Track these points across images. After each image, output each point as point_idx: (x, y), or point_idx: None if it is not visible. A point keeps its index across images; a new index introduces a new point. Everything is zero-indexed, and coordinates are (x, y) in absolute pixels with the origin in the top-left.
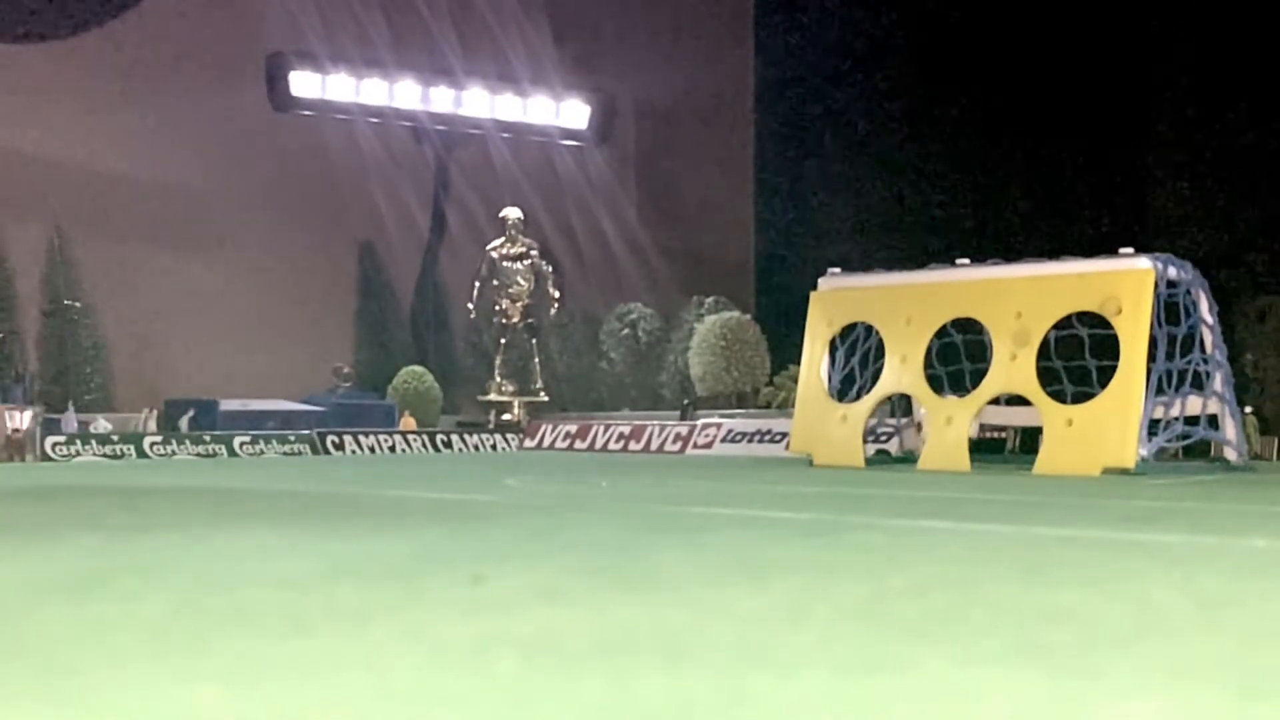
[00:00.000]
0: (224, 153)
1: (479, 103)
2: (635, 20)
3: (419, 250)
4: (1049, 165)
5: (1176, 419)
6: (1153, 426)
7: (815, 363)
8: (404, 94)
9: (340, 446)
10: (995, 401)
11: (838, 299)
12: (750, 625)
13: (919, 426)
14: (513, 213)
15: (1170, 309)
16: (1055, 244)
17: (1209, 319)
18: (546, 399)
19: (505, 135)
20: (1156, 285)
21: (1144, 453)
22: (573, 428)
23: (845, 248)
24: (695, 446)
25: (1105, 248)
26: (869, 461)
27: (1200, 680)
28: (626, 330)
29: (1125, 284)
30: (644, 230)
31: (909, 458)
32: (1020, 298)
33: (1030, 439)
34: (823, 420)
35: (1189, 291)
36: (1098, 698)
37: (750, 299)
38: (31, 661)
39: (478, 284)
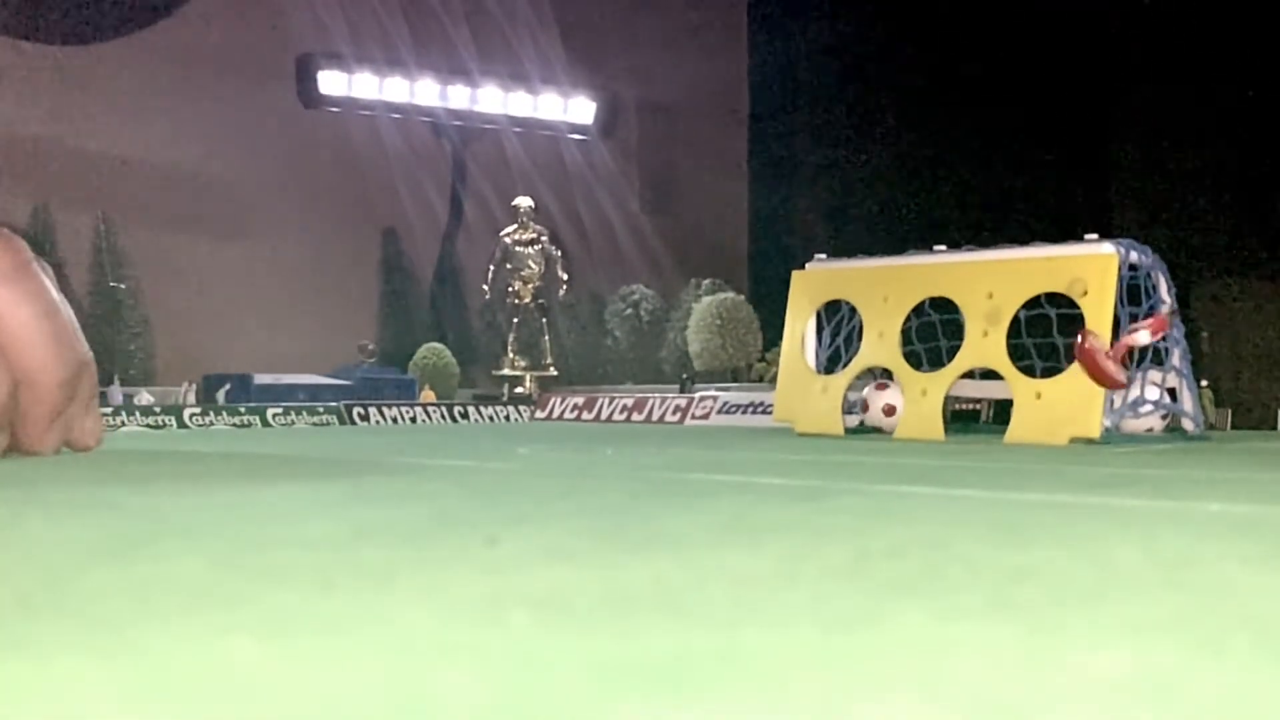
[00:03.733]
0: (258, 146)
1: (493, 100)
2: (638, 24)
3: (438, 236)
4: (1024, 157)
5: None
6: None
7: (796, 336)
8: (424, 92)
9: (365, 417)
10: (969, 376)
11: (818, 278)
12: (745, 584)
13: (865, 405)
14: (524, 201)
15: (1132, 290)
16: (1027, 230)
17: (1168, 300)
18: (556, 373)
19: (517, 130)
20: (1120, 268)
21: (1108, 423)
22: (580, 400)
23: (832, 234)
24: (693, 417)
25: (1072, 234)
26: (848, 431)
27: (1160, 633)
28: (629, 310)
29: (1091, 267)
30: (645, 218)
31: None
32: (992, 279)
33: (1002, 411)
34: (804, 391)
35: (1149, 274)
36: (1066, 649)
37: (744, 281)
38: (80, 618)
39: (492, 267)
